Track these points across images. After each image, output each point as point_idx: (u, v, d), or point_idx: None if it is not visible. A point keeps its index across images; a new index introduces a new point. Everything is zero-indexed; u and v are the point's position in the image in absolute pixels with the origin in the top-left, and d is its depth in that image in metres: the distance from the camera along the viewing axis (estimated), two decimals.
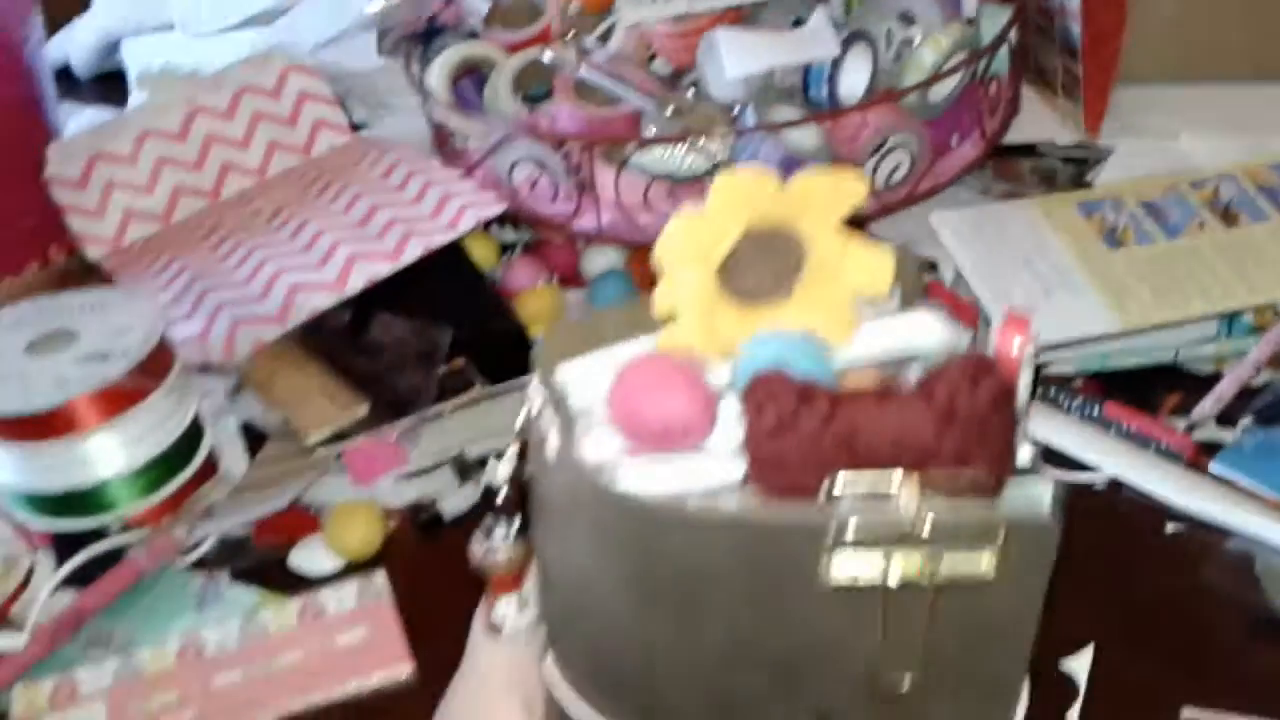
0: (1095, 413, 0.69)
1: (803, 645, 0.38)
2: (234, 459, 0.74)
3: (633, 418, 0.38)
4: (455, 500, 0.69)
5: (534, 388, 0.41)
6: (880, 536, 0.35)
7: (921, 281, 0.45)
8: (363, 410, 0.71)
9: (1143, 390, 0.71)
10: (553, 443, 0.39)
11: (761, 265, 0.40)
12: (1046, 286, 0.72)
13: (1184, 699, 0.55)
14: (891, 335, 0.41)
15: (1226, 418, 0.69)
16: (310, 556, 0.68)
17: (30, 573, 0.68)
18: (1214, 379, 0.71)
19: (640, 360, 0.39)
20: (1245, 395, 0.70)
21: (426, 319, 0.76)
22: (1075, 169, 0.88)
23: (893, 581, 0.35)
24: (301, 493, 0.69)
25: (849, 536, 0.35)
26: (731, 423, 0.38)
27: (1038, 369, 0.73)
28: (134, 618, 0.66)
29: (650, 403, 0.37)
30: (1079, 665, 0.57)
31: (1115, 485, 0.66)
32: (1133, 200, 0.77)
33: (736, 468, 0.37)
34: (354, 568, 0.67)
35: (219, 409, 0.77)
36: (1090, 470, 0.67)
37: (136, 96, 1.08)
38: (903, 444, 0.35)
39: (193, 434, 0.71)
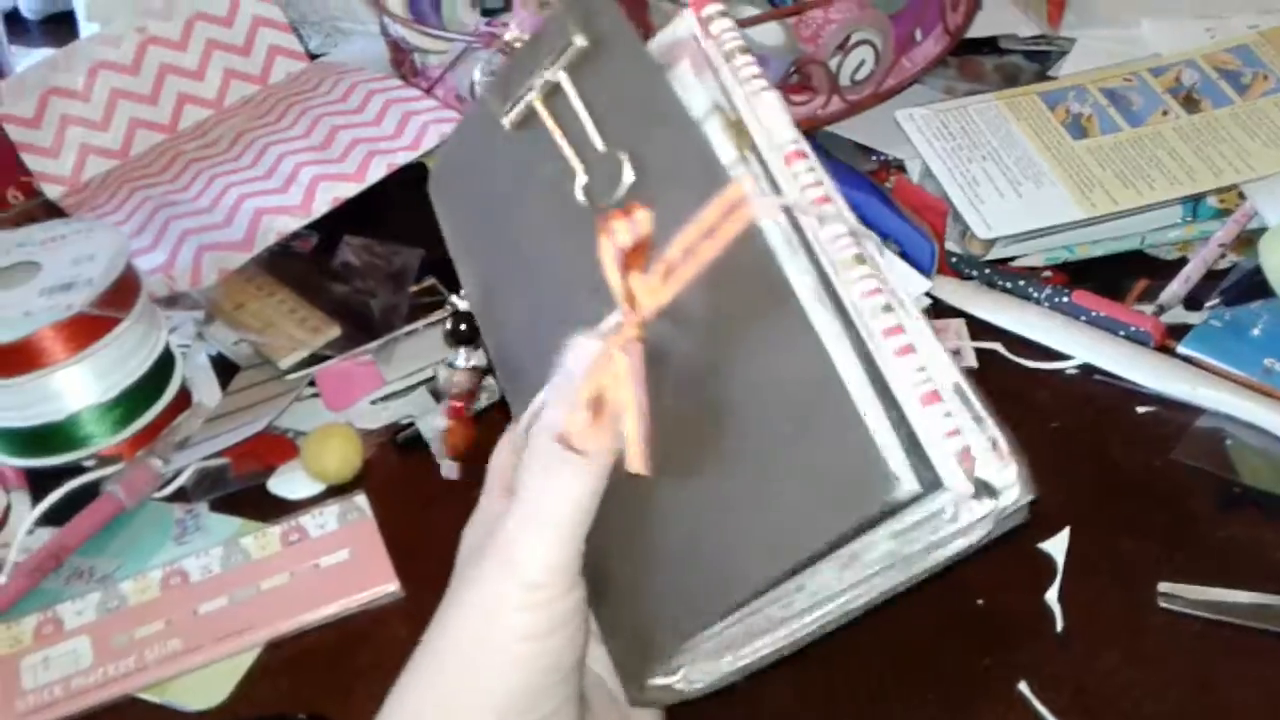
0: (1064, 301, 0.69)
1: (537, 209, 0.44)
2: (206, 391, 0.74)
3: None
4: (433, 419, 0.69)
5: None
6: (521, 69, 0.44)
7: None
8: (335, 333, 0.71)
9: (1110, 278, 0.72)
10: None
11: None
12: (1012, 179, 0.72)
13: (1160, 574, 0.56)
14: None
15: (1193, 302, 0.69)
16: (289, 482, 0.68)
17: (6, 512, 0.68)
18: (1179, 264, 0.72)
19: None
20: (1210, 279, 0.71)
21: (394, 241, 0.75)
22: (1038, 65, 0.88)
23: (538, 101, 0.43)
24: (276, 417, 0.69)
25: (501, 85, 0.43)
26: None
27: (1004, 260, 0.73)
28: (114, 551, 0.65)
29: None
30: (1056, 546, 0.58)
31: (1086, 371, 0.67)
32: (1095, 90, 0.77)
33: None
34: (334, 491, 0.67)
35: (189, 342, 0.76)
36: (1061, 358, 0.68)
37: (86, 30, 1.06)
38: None
39: (164, 365, 0.70)
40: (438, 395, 0.69)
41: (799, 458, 0.38)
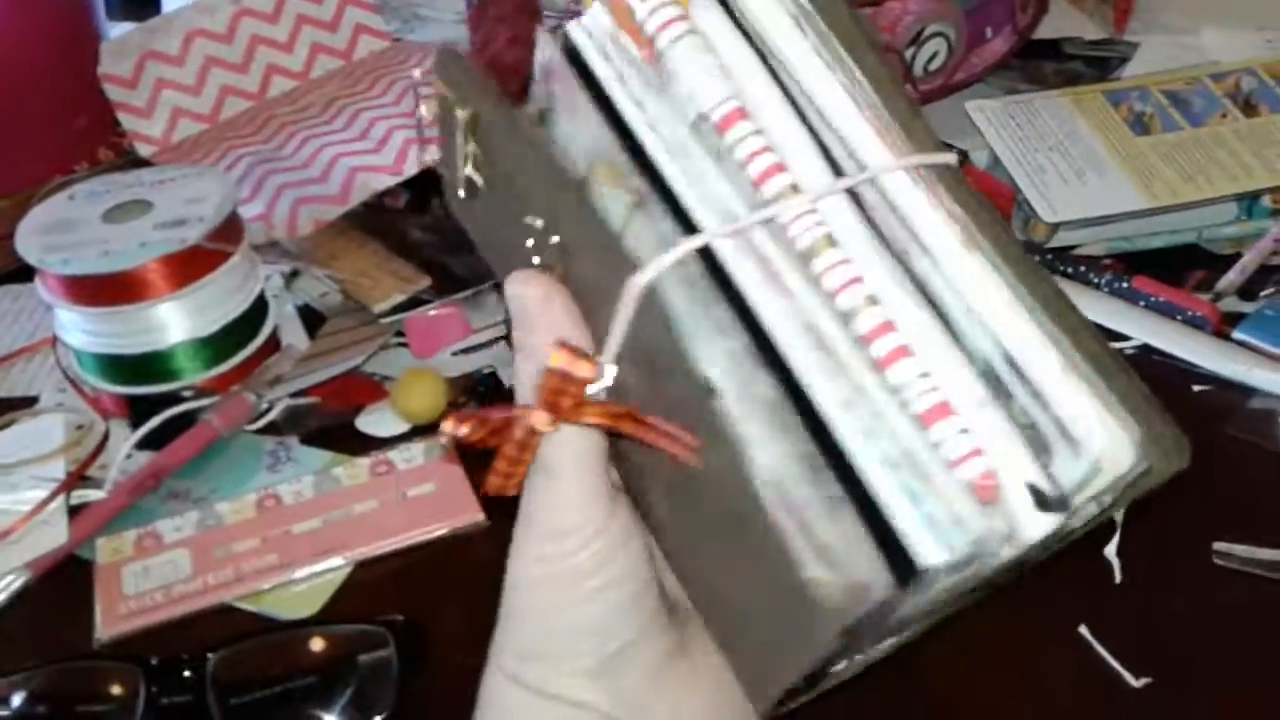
0: (1124, 287, 0.72)
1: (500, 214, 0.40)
2: (295, 336, 0.77)
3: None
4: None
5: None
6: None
7: None
8: (425, 282, 0.74)
9: (1167, 269, 0.75)
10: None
11: None
12: (1077, 169, 0.75)
13: (1215, 534, 0.58)
14: None
15: (1247, 292, 0.72)
16: (377, 421, 0.71)
17: (105, 438, 0.71)
18: (1234, 259, 0.75)
19: None
20: (1264, 272, 0.74)
21: None
22: (1098, 72, 0.91)
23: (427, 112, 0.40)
24: (367, 360, 0.72)
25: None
26: None
27: (1067, 248, 0.76)
28: (210, 476, 0.69)
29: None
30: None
31: (1145, 351, 0.70)
32: (1158, 91, 0.80)
33: None
34: (418, 432, 0.70)
35: (278, 292, 0.80)
36: (1121, 339, 0.71)
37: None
38: None
39: (259, 308, 0.74)
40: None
41: (748, 579, 0.33)
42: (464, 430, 0.34)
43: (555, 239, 0.36)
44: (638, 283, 0.32)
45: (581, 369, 0.33)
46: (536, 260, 0.37)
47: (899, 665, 0.47)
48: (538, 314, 0.37)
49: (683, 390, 0.32)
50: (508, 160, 0.37)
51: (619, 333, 0.33)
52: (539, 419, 0.34)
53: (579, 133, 0.37)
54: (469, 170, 0.39)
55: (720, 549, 0.34)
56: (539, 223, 0.36)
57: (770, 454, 0.30)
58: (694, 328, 0.32)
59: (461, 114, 0.38)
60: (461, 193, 0.40)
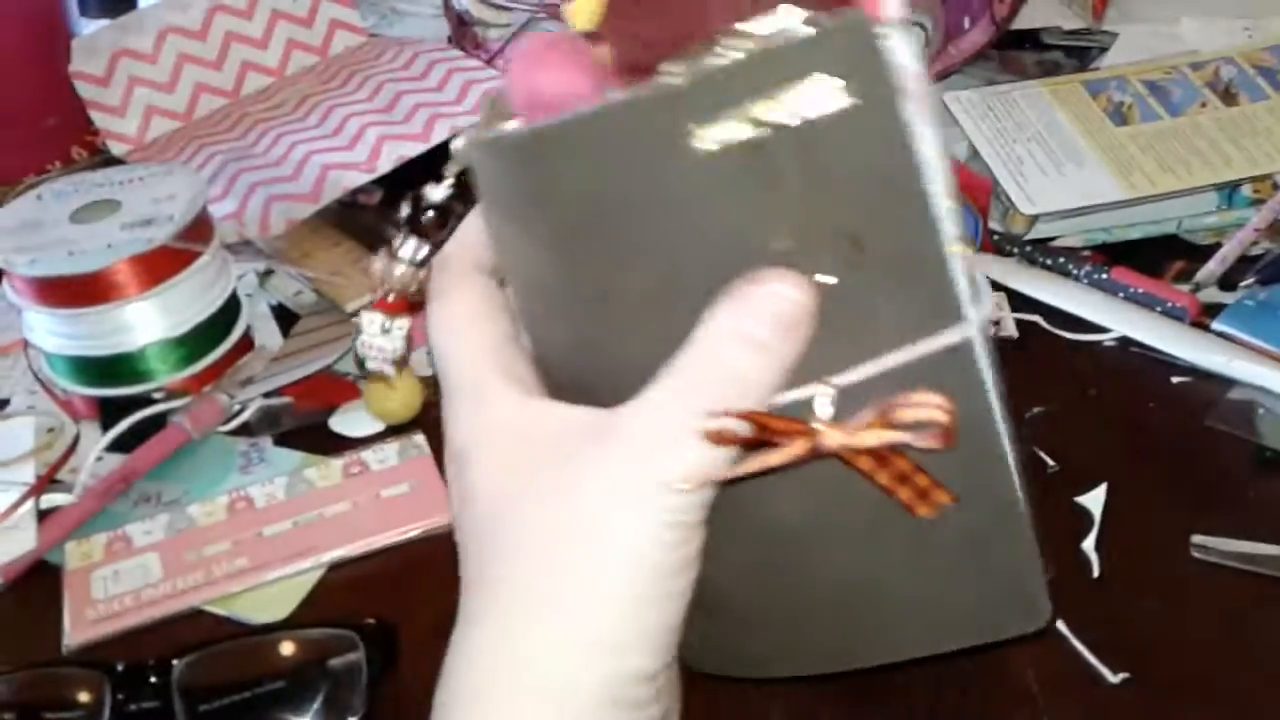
0: (1103, 278, 0.72)
1: (716, 253, 0.36)
2: (269, 336, 0.76)
3: (528, 92, 0.37)
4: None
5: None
6: (732, 89, 0.33)
7: None
8: None
9: (1146, 260, 0.74)
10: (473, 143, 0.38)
11: None
12: (1056, 160, 0.75)
13: (1192, 528, 0.58)
14: None
15: (1227, 282, 0.72)
16: (350, 421, 0.70)
17: (75, 440, 0.71)
18: (1214, 249, 0.74)
19: (533, 39, 0.38)
20: (1244, 262, 0.73)
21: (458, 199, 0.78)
22: (1077, 62, 0.90)
23: (763, 128, 0.33)
24: (340, 358, 0.71)
25: (697, 98, 0.33)
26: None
27: (1045, 239, 0.76)
28: (181, 479, 0.68)
29: (543, 75, 0.37)
30: (1093, 500, 0.60)
31: (1124, 343, 0.69)
32: (1136, 81, 0.80)
33: None
34: (393, 431, 0.69)
35: (251, 291, 0.79)
36: (1099, 330, 0.70)
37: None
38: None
39: (230, 307, 0.73)
40: None
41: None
42: (738, 428, 0.35)
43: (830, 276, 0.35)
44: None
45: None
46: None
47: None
48: (800, 327, 0.35)
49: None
50: (856, 151, 0.34)
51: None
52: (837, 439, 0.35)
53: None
54: (751, 133, 0.34)
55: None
56: (839, 238, 0.35)
57: None
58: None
59: (841, 100, 0.34)
60: (700, 145, 0.34)
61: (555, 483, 0.37)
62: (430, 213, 0.44)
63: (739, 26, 0.33)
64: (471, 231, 0.43)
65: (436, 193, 0.44)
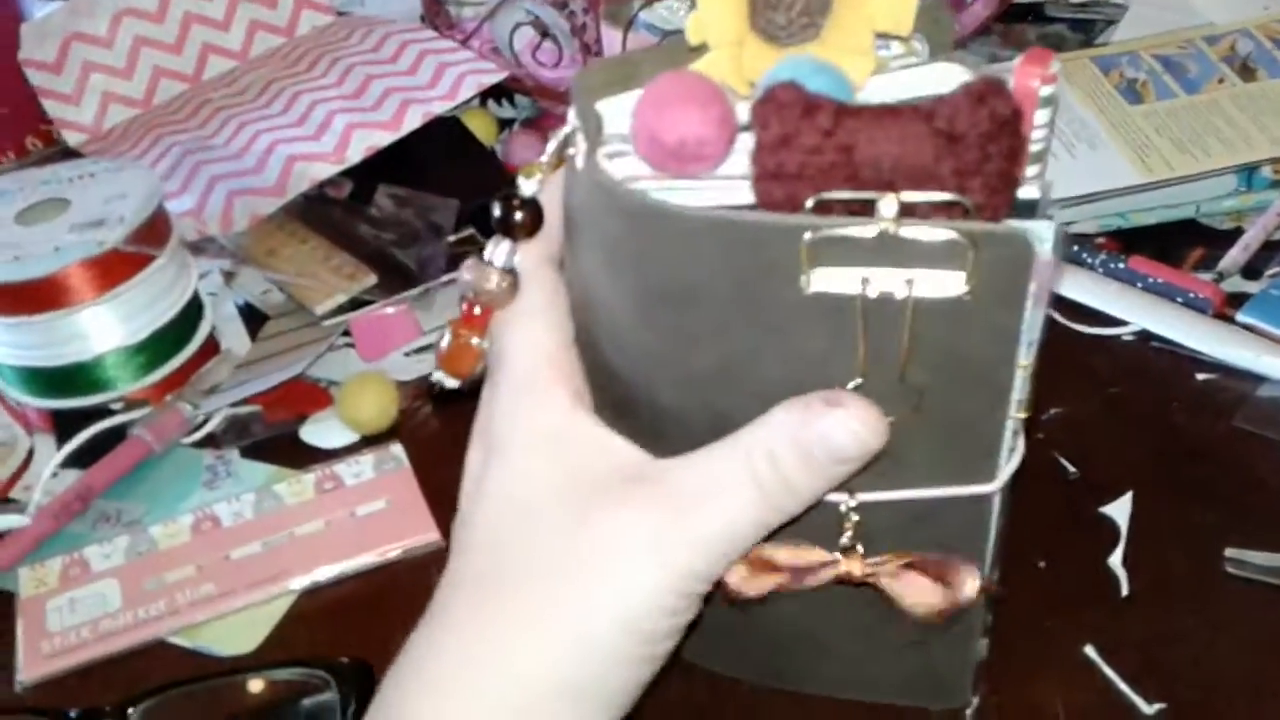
0: (1119, 268, 0.68)
1: (789, 367, 0.37)
2: (235, 340, 0.72)
3: (651, 131, 0.36)
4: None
5: (570, 113, 0.39)
6: (858, 249, 0.34)
7: (949, 35, 0.42)
8: (371, 280, 0.69)
9: (1164, 247, 0.70)
10: (579, 156, 0.37)
11: (794, 1, 0.38)
12: (1067, 142, 0.71)
13: (1225, 540, 0.54)
14: (912, 82, 0.39)
15: (1251, 270, 0.68)
16: (322, 431, 0.66)
17: (29, 456, 0.66)
18: (1234, 234, 0.70)
19: (663, 77, 0.37)
20: (1268, 249, 0.69)
21: (429, 191, 0.73)
22: (1083, 35, 0.86)
23: (870, 292, 0.34)
24: (310, 365, 0.67)
25: (826, 245, 0.34)
26: (748, 154, 0.36)
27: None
28: (142, 496, 0.64)
29: (668, 116, 0.36)
30: (1119, 510, 0.56)
31: (1143, 337, 0.65)
32: (1149, 56, 0.76)
33: (747, 192, 0.36)
34: (368, 442, 0.65)
35: (216, 290, 0.74)
36: (1117, 324, 0.66)
37: None
38: (901, 164, 0.34)
39: (193, 310, 0.68)
40: None
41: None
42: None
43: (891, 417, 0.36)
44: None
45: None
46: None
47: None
48: (858, 463, 0.36)
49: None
50: (960, 336, 0.36)
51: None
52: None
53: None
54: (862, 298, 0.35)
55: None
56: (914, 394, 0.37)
57: None
58: None
59: (959, 288, 0.35)
60: (806, 287, 0.36)
61: (583, 513, 0.37)
62: (520, 213, 0.40)
63: (902, 197, 0.33)
64: (553, 222, 0.41)
65: (529, 186, 0.40)
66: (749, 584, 0.40)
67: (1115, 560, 0.54)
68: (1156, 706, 0.48)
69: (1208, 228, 0.72)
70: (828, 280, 0.34)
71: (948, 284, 0.34)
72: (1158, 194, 0.71)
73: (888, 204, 0.33)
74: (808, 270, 0.34)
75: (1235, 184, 0.72)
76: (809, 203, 0.34)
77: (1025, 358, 0.37)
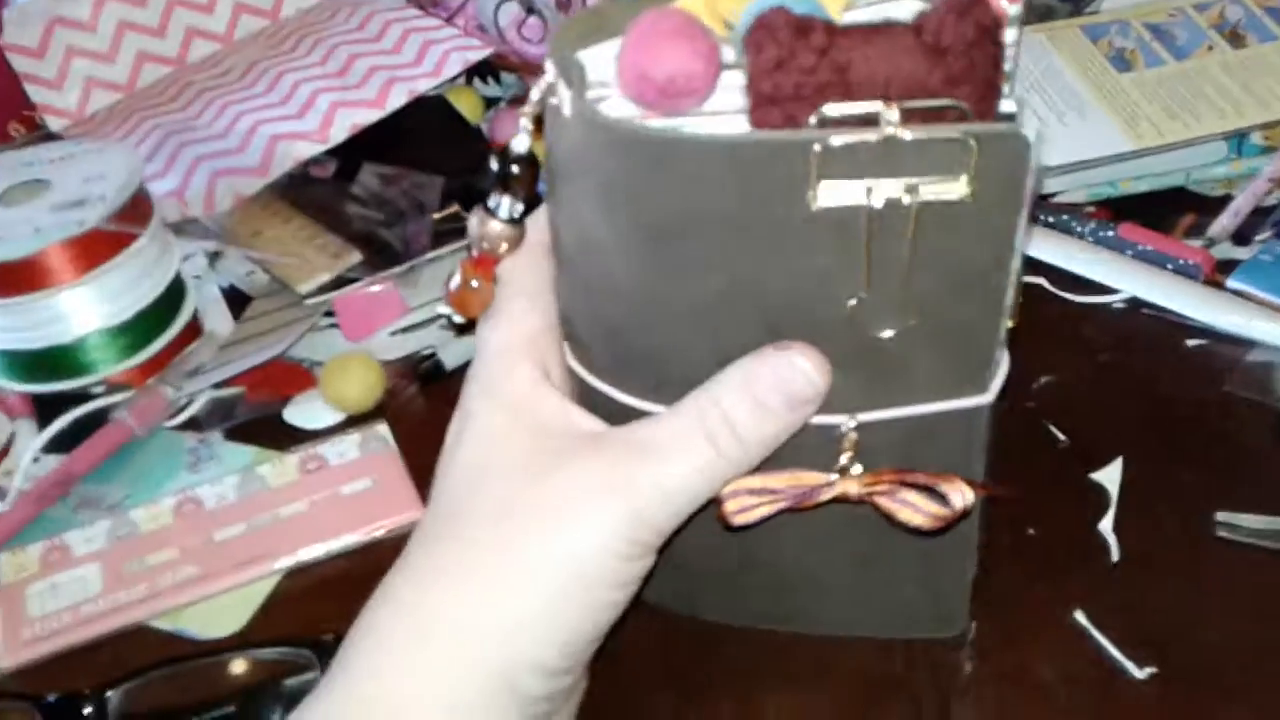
0: (1109, 235, 0.67)
1: (792, 287, 0.38)
2: (218, 322, 0.71)
3: (639, 68, 0.37)
4: (455, 350, 0.66)
5: (548, 65, 0.39)
6: (863, 159, 0.35)
7: None
8: (355, 258, 0.68)
9: (1154, 215, 0.70)
10: (566, 102, 0.38)
11: None
12: (1057, 110, 0.70)
13: (1216, 504, 0.54)
14: (879, 12, 0.39)
15: (1241, 237, 0.67)
16: (306, 412, 0.65)
17: (10, 440, 0.66)
18: (1225, 201, 0.69)
19: (646, 15, 0.37)
20: (1258, 215, 0.69)
21: (414, 169, 0.73)
22: (1072, 5, 0.85)
23: (876, 201, 0.35)
24: (293, 344, 0.66)
25: (833, 158, 0.35)
26: (735, 90, 0.37)
27: (1046, 195, 0.71)
28: (124, 480, 0.63)
29: (656, 52, 0.37)
30: (1108, 477, 0.56)
31: (1134, 305, 0.65)
32: (1138, 24, 0.75)
33: (740, 123, 0.37)
34: (352, 422, 0.64)
35: (200, 273, 0.74)
36: (1108, 292, 0.65)
37: None
38: (895, 77, 0.35)
39: (175, 291, 0.68)
40: (460, 326, 0.67)
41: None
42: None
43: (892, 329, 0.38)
44: None
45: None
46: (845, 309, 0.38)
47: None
48: (810, 405, 0.39)
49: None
50: (958, 241, 0.37)
51: None
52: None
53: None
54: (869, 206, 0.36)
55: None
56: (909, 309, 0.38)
57: None
58: None
59: (960, 188, 0.36)
60: (813, 205, 0.36)
61: (540, 469, 0.39)
62: (515, 166, 0.42)
63: (901, 105, 0.34)
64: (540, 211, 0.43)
65: (520, 143, 0.42)
66: (749, 512, 0.40)
67: (1105, 526, 0.54)
68: (1147, 671, 0.48)
69: (1197, 195, 0.72)
70: (833, 193, 0.35)
71: (950, 189, 0.35)
72: (1147, 161, 0.70)
73: (891, 111, 0.34)
74: (815, 185, 0.35)
75: (1225, 151, 0.71)
76: (812, 119, 0.35)
77: (1016, 265, 0.38)
